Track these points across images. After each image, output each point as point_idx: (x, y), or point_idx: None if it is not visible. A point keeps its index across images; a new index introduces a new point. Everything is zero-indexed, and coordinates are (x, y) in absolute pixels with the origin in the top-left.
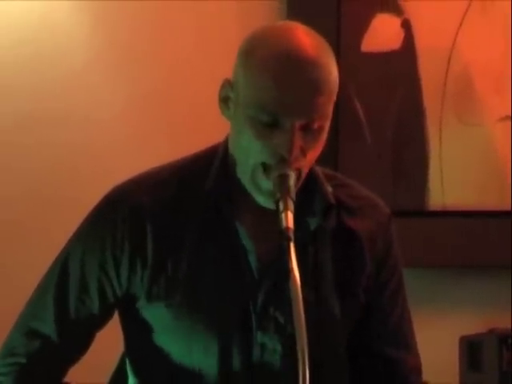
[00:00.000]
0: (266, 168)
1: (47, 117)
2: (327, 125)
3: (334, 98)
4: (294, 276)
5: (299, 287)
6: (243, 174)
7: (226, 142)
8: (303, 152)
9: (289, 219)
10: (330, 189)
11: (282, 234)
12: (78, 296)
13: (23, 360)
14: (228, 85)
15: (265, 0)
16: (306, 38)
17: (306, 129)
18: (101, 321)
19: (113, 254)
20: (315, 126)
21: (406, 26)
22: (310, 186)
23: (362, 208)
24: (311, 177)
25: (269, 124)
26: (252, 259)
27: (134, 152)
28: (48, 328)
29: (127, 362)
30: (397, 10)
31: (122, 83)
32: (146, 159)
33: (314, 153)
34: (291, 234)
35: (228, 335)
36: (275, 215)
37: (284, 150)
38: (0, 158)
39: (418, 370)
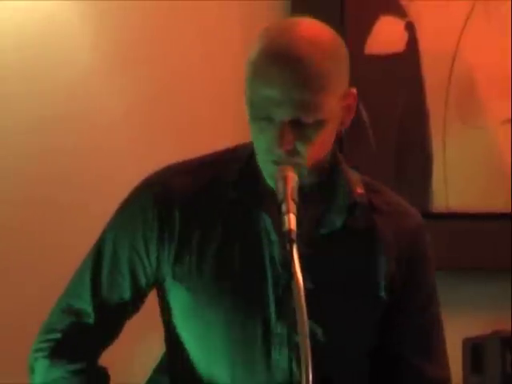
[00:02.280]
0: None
1: (51, 121)
2: (328, 120)
3: (332, 93)
4: (297, 278)
5: (302, 289)
6: (260, 164)
7: None
8: (299, 147)
9: (291, 221)
10: (361, 190)
11: (285, 236)
12: (110, 273)
13: (59, 335)
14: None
15: (269, 0)
16: (301, 34)
17: (300, 124)
18: (133, 301)
19: (143, 233)
20: (309, 120)
21: (410, 28)
22: (336, 183)
23: (395, 213)
24: (337, 173)
25: (264, 119)
26: (275, 250)
27: (139, 155)
28: (84, 303)
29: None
30: (400, 13)
31: (127, 86)
32: (152, 163)
33: (317, 148)
34: (294, 236)
35: (247, 323)
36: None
37: (275, 146)
38: (4, 163)
39: (438, 381)
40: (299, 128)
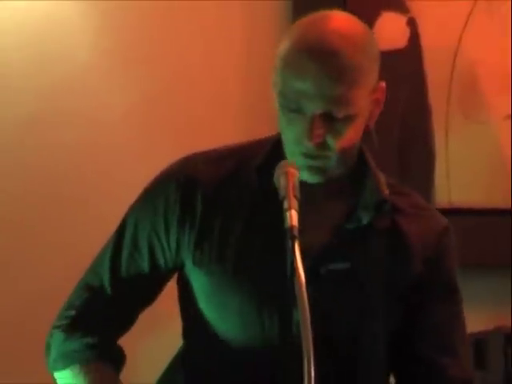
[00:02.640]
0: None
1: (52, 117)
2: (358, 114)
3: (363, 87)
4: (299, 275)
5: (304, 286)
6: (287, 154)
7: None
8: (328, 140)
9: (293, 217)
10: (386, 191)
11: (287, 232)
12: (130, 253)
13: (75, 312)
14: (274, 71)
15: (270, 0)
16: (333, 27)
17: (330, 117)
18: (150, 284)
19: (164, 216)
20: (340, 115)
21: (412, 24)
22: (363, 181)
23: (419, 215)
24: (365, 171)
25: (294, 111)
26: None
27: (139, 153)
28: (102, 281)
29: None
30: (402, 9)
31: (127, 84)
32: (151, 161)
33: (346, 141)
34: (296, 233)
35: (263, 313)
36: (320, 197)
37: (304, 138)
38: (4, 158)
39: (462, 381)
40: (329, 121)
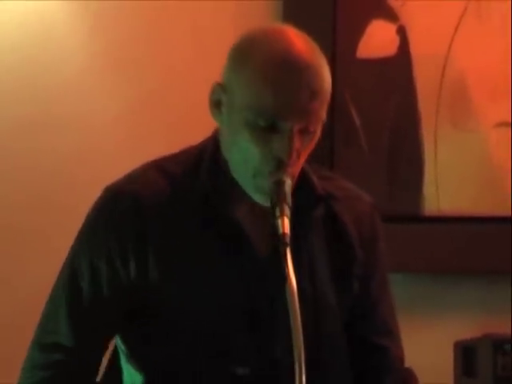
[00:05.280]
0: (265, 172)
1: (44, 121)
2: (320, 127)
3: (328, 101)
4: (291, 281)
5: (295, 292)
6: (241, 174)
7: (214, 139)
8: (299, 155)
9: (285, 225)
10: (317, 180)
11: (279, 239)
12: (91, 298)
13: (46, 373)
14: (219, 88)
15: (261, 0)
16: (300, 42)
17: (303, 132)
18: (117, 325)
19: (119, 249)
20: (312, 129)
21: (402, 32)
22: (298, 179)
23: (348, 198)
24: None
25: (267, 128)
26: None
27: (132, 156)
28: (64, 338)
29: (126, 358)
30: (392, 16)
31: (119, 87)
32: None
33: (306, 154)
34: (287, 240)
35: (237, 329)
36: (268, 213)
37: (283, 154)
38: None
39: (401, 359)
40: (302, 136)
